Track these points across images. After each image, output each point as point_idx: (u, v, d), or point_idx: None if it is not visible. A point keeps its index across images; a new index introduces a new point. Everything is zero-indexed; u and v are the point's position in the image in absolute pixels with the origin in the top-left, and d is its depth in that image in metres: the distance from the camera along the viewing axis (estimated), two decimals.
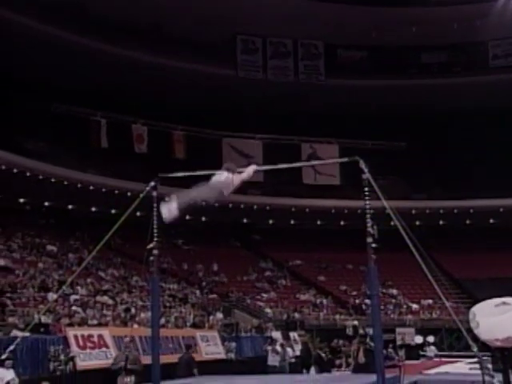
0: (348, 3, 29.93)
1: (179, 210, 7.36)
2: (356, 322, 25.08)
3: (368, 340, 18.36)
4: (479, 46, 33.18)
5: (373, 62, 33.84)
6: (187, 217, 32.55)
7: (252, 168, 7.76)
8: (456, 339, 23.32)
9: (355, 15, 29.99)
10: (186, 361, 13.67)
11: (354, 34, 31.58)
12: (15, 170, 25.42)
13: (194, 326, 19.87)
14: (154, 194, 8.20)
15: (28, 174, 25.90)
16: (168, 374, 9.27)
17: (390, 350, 18.78)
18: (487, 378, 6.75)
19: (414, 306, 29.26)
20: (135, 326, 16.54)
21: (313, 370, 18.39)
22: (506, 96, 31.45)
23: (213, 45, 30.43)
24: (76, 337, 13.01)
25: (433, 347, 23.53)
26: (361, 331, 23.44)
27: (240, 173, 7.59)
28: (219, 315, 23.30)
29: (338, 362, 18.79)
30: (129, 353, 11.30)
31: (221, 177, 7.42)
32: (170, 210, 7.31)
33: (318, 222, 34.14)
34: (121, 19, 28.03)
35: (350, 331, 23.68)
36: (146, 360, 9.31)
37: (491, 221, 33.68)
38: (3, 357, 9.33)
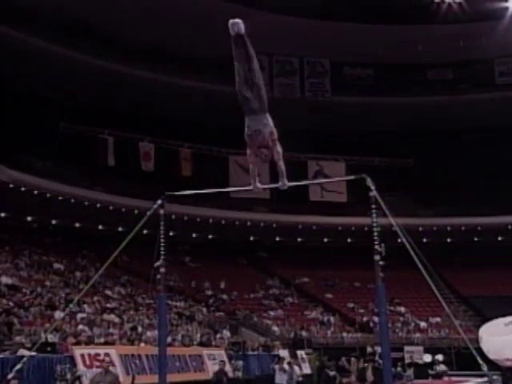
0: (354, 21, 30.09)
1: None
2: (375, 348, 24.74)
3: (377, 358, 18.22)
4: (485, 64, 33.24)
5: (379, 79, 33.94)
6: (194, 235, 32.70)
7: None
8: (465, 358, 23.09)
9: (361, 33, 30.12)
10: (218, 377, 13.84)
11: (360, 52, 31.71)
12: (23, 189, 25.53)
13: (201, 344, 19.78)
14: (161, 211, 8.20)
15: (35, 192, 26.00)
16: None
17: (398, 368, 18.64)
18: None
19: (422, 324, 29.04)
20: (142, 344, 16.48)
21: None
22: None
23: (219, 63, 30.58)
24: (83, 356, 12.97)
25: (442, 366, 23.27)
26: (369, 349, 23.26)
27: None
28: (226, 333, 23.19)
29: (345, 380, 18.61)
30: (106, 373, 11.24)
31: None
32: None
33: (325, 240, 34.04)
34: (126, 37, 28.25)
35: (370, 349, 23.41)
36: (153, 379, 9.26)
37: (499, 238, 33.50)
38: (10, 376, 9.30)
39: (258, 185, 7.19)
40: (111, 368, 12.13)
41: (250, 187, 7.63)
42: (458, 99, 32.83)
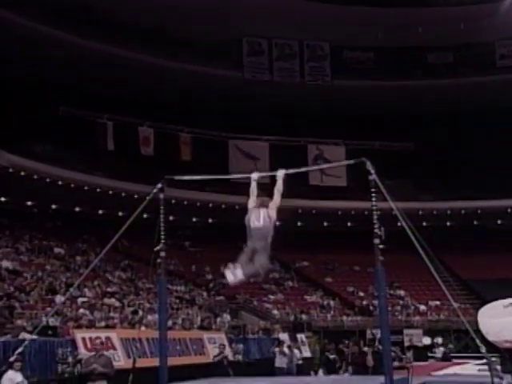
0: (354, 4, 29.90)
1: (245, 276, 7.32)
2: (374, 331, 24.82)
3: (377, 343, 18.34)
4: (486, 46, 33.02)
5: (379, 63, 33.75)
6: (194, 219, 32.72)
7: (281, 173, 7.71)
8: (464, 340, 23.25)
9: (361, 16, 29.94)
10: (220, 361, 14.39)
11: (360, 35, 31.52)
12: (22, 173, 25.52)
13: (202, 327, 19.87)
14: (161, 196, 8.22)
15: (35, 176, 25.99)
16: (175, 375, 9.26)
17: (394, 349, 18.54)
18: (496, 380, 6.73)
19: (422, 308, 29.18)
20: (142, 328, 16.56)
21: (321, 371, 18.40)
22: None
23: (219, 47, 30.49)
24: (84, 339, 13.04)
25: (441, 348, 23.45)
26: (369, 334, 23.39)
27: (266, 206, 7.48)
28: (226, 317, 23.30)
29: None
30: (100, 356, 11.32)
31: (259, 223, 7.36)
32: (235, 274, 7.36)
33: (325, 224, 34.09)
34: (125, 21, 28.09)
35: (369, 335, 23.51)
36: (154, 362, 9.31)
37: (499, 221, 33.58)
38: (12, 359, 9.37)
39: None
40: (105, 352, 12.19)
41: (249, 175, 7.78)
42: (459, 82, 32.68)
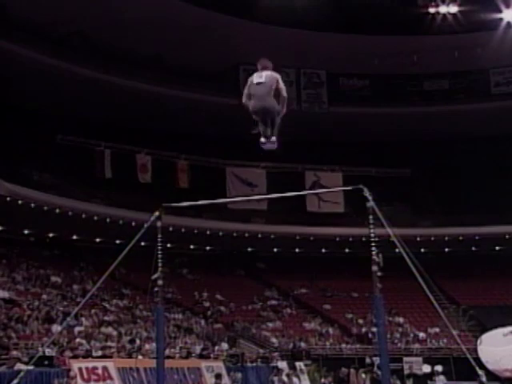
0: (350, 32, 30.25)
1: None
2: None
3: (375, 369, 18.16)
4: (481, 74, 33.37)
5: (375, 89, 34.03)
6: (191, 246, 32.63)
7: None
8: (464, 368, 23.03)
9: (357, 44, 30.27)
10: None
11: (357, 63, 31.83)
12: (20, 201, 25.47)
13: (200, 356, 19.70)
14: (158, 224, 8.20)
15: (32, 205, 25.93)
16: None
17: (392, 378, 18.37)
18: None
19: (421, 335, 28.92)
20: (140, 357, 16.40)
21: None
22: (509, 122, 31.55)
23: (216, 74, 30.72)
24: (80, 369, 12.91)
25: (442, 377, 23.21)
26: (368, 360, 23.17)
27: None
28: (224, 345, 23.10)
29: None
30: None
31: (261, 79, 7.05)
32: (271, 143, 7.02)
33: (323, 250, 33.99)
34: (123, 49, 28.33)
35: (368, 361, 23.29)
36: None
37: (497, 248, 33.50)
38: None
39: None
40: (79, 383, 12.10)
41: (247, 198, 7.67)
42: (455, 109, 32.92)
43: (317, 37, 29.66)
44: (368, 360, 23.44)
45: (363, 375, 17.23)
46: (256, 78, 7.11)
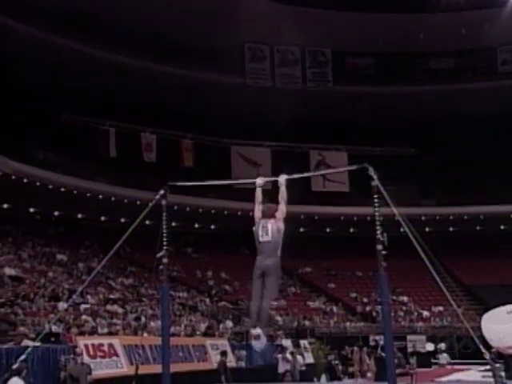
0: (355, 11, 29.96)
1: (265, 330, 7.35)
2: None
3: (379, 350, 18.28)
4: (488, 52, 33.05)
5: (381, 68, 33.80)
6: (196, 225, 32.72)
7: (283, 179, 7.59)
8: (467, 346, 23.16)
9: (362, 22, 30.00)
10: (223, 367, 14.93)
11: (362, 41, 31.58)
12: (25, 180, 25.54)
13: (205, 334, 19.84)
14: (164, 202, 8.21)
15: (38, 183, 25.99)
16: (178, 382, 9.24)
17: (399, 355, 18.35)
18: None
19: (425, 313, 29.09)
20: (145, 334, 16.54)
21: (323, 377, 18.36)
22: None
23: (221, 53, 30.49)
24: (86, 346, 13.03)
25: (445, 354, 23.35)
26: (372, 340, 23.32)
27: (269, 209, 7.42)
28: (229, 323, 23.25)
29: (350, 369, 18.67)
30: (83, 365, 11.55)
31: (268, 236, 7.23)
32: (260, 339, 7.38)
33: (328, 230, 34.06)
34: (128, 28, 28.13)
35: (359, 340, 23.43)
36: (157, 369, 9.30)
37: (502, 227, 33.49)
38: (15, 366, 9.35)
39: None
40: (85, 359, 12.24)
41: (252, 180, 7.69)
42: (461, 88, 32.69)
43: (322, 15, 29.42)
44: (372, 342, 23.60)
45: (366, 357, 17.32)
46: (261, 232, 7.27)
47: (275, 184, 7.73)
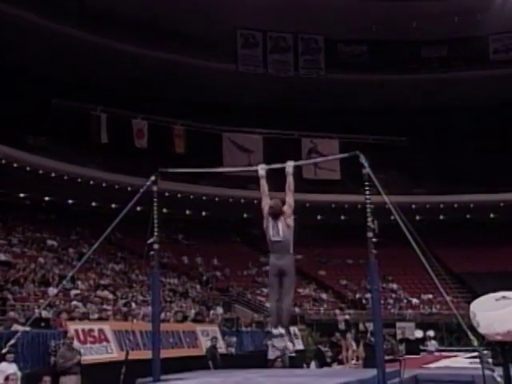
0: None
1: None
2: (347, 317, 25.05)
3: (369, 335, 18.38)
4: (480, 41, 33.07)
5: (373, 56, 33.77)
6: (187, 212, 32.72)
7: (291, 168, 7.40)
8: (456, 333, 23.37)
9: (355, 10, 29.90)
10: (211, 353, 14.89)
11: (354, 29, 31.50)
12: (15, 165, 25.44)
13: (195, 320, 19.88)
14: (155, 188, 8.20)
15: (28, 168, 25.91)
16: (168, 368, 9.27)
17: (390, 340, 18.44)
18: (487, 372, 6.76)
19: (414, 301, 29.29)
20: (135, 320, 16.55)
21: (313, 364, 18.46)
22: (507, 90, 31.43)
23: (213, 39, 30.37)
24: (77, 331, 13.02)
25: (434, 342, 23.55)
26: (361, 326, 23.44)
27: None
28: (219, 310, 23.32)
29: (340, 356, 18.79)
30: (73, 351, 11.54)
31: (279, 236, 7.23)
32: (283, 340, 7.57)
33: (319, 217, 34.13)
34: (119, 13, 27.96)
35: (342, 326, 23.61)
36: (147, 355, 9.31)
37: (491, 215, 33.70)
38: (4, 351, 9.35)
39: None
40: (75, 344, 12.23)
41: (243, 168, 7.63)
42: (453, 76, 32.73)
43: (315, 2, 29.27)
44: (361, 327, 23.72)
45: (353, 342, 17.45)
46: (272, 231, 7.27)
47: (271, 170, 7.68)
